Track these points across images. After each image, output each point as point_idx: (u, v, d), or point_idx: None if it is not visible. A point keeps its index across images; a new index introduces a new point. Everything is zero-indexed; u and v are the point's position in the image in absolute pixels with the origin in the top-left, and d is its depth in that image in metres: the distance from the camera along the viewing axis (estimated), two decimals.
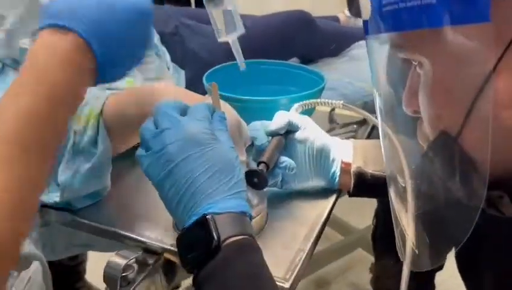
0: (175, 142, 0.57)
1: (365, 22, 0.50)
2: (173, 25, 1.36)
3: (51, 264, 1.01)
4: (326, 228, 0.79)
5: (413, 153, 0.54)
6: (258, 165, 0.74)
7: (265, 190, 0.75)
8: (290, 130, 0.81)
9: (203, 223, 0.55)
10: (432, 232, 0.52)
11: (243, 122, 0.74)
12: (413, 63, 0.51)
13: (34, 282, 0.55)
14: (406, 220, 0.52)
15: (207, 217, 0.55)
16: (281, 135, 0.80)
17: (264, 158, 0.75)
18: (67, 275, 1.57)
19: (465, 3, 0.41)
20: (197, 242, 0.55)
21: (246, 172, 0.70)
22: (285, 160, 0.78)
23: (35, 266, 0.50)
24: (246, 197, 0.71)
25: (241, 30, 0.67)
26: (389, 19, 0.46)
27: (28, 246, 0.47)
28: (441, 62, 0.46)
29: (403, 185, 0.53)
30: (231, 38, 0.67)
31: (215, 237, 0.54)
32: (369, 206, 1.58)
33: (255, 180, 0.71)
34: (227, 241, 0.54)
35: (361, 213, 1.71)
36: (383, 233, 1.53)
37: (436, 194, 0.50)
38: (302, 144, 0.80)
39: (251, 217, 0.59)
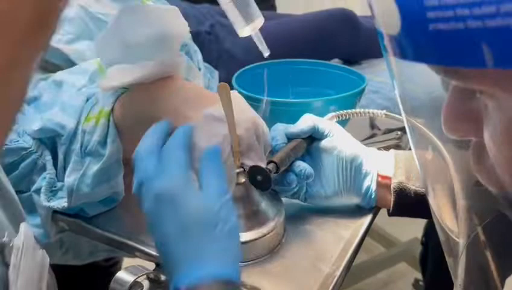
0: (148, 201, 0.50)
1: (387, 38, 0.30)
2: (209, 24, 1.32)
3: (86, 265, 0.99)
4: (367, 239, 0.70)
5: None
6: (267, 165, 0.65)
7: (283, 201, 0.67)
8: (315, 137, 0.73)
9: None
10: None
11: (264, 126, 0.66)
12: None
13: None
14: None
15: None
16: (303, 139, 0.72)
17: (275, 158, 0.66)
18: (102, 276, 1.55)
19: None
20: None
21: (249, 167, 0.63)
22: (301, 164, 0.69)
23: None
24: (261, 209, 0.63)
25: (260, 19, 0.60)
26: (442, 44, 0.26)
27: None
28: None
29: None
30: (252, 31, 0.60)
31: None
32: None
33: (258, 178, 0.63)
34: None
35: (405, 224, 1.61)
36: (436, 259, 1.28)
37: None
38: (329, 154, 0.71)
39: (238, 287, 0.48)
